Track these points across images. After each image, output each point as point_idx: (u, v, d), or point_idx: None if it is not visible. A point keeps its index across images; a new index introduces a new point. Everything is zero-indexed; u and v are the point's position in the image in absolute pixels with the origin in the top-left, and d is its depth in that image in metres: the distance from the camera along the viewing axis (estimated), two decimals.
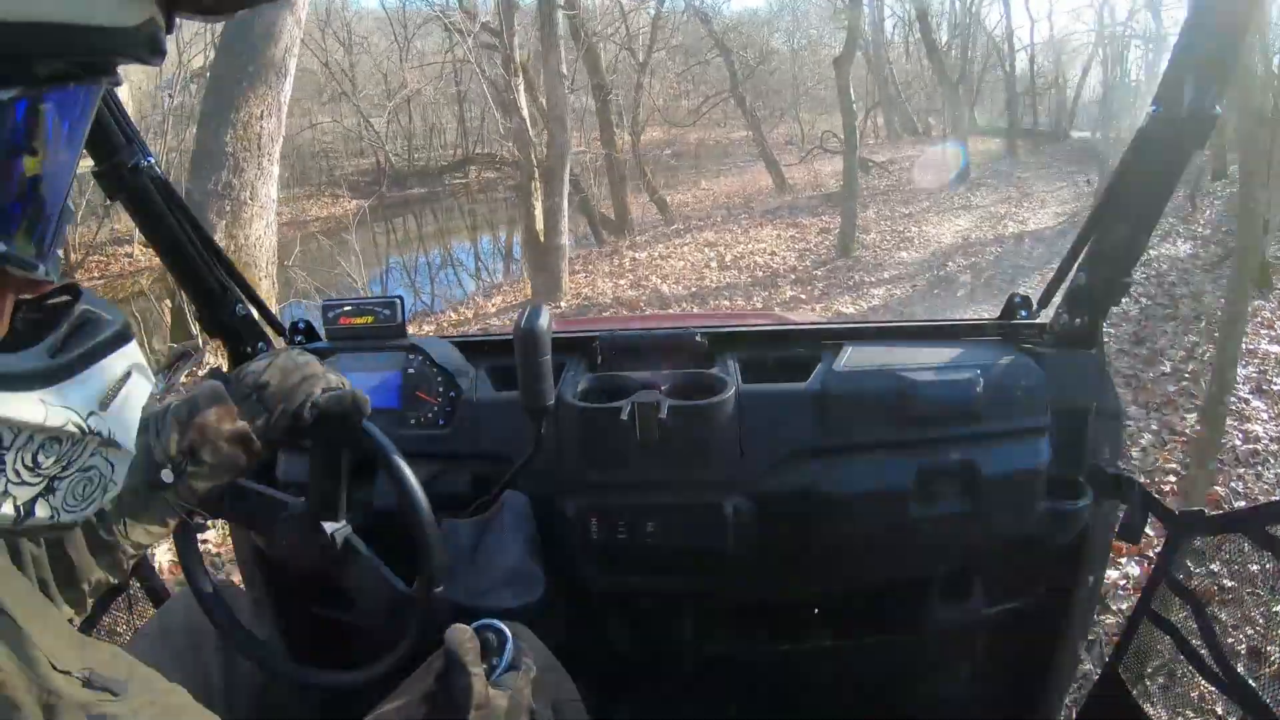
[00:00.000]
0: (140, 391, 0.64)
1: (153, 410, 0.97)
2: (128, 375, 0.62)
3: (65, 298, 0.57)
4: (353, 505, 1.16)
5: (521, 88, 10.69)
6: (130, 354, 0.62)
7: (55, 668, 0.63)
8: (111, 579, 0.98)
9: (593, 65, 14.06)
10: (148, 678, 0.76)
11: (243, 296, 1.56)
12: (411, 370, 1.52)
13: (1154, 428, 4.18)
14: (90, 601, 1.00)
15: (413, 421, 1.50)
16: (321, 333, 1.63)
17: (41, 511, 0.56)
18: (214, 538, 3.27)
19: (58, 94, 0.49)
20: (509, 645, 0.97)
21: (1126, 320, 6.07)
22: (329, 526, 1.10)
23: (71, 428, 0.55)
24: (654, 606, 1.58)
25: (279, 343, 1.67)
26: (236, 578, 1.95)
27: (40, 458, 0.55)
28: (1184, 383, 4.77)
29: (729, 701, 1.68)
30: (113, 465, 0.62)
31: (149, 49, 0.51)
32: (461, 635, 0.94)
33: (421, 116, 21.51)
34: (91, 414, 0.57)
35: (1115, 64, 22.98)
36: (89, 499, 0.61)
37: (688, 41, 20.19)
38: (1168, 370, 5.02)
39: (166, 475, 0.93)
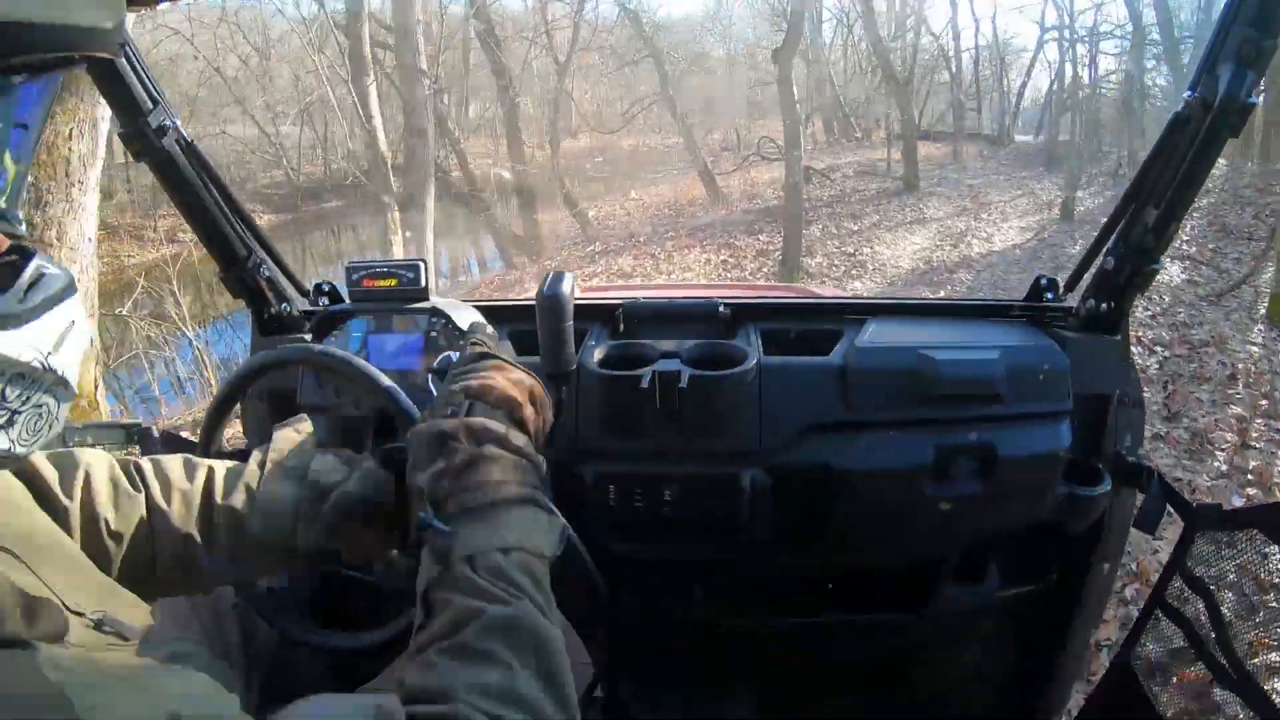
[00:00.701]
0: (80, 337, 0.68)
1: (307, 461, 1.02)
2: (72, 323, 0.66)
3: (14, 257, 0.62)
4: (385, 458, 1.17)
5: (373, 90, 8.52)
6: (75, 304, 0.67)
7: (68, 608, 0.66)
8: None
9: (498, 66, 13.11)
10: (161, 627, 0.79)
11: (267, 258, 1.58)
12: (433, 333, 1.52)
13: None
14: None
15: (433, 384, 1.51)
16: (345, 295, 1.64)
17: (2, 443, 0.61)
18: None
19: (40, 81, 0.57)
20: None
21: (1150, 383, 4.74)
22: None
23: (36, 364, 0.61)
24: (667, 576, 1.58)
25: (301, 303, 1.68)
26: None
27: (7, 391, 0.60)
28: (1250, 489, 3.54)
29: (738, 672, 1.69)
30: (59, 404, 0.66)
31: (117, 44, 0.59)
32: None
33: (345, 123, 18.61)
34: (49, 354, 0.62)
35: (1060, 66, 21.99)
36: (38, 433, 0.65)
37: (619, 43, 18.95)
38: (1222, 464, 3.76)
39: (299, 558, 1.00)
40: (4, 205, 0.57)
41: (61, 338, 0.65)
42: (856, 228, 12.46)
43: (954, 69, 22.14)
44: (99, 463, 0.91)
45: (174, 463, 0.97)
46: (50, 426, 0.66)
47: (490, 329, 0.98)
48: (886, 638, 1.65)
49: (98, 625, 0.69)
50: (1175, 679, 1.53)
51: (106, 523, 0.88)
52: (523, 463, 0.82)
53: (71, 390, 0.67)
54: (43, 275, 0.63)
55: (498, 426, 0.82)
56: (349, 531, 0.98)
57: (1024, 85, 23.73)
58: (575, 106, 21.12)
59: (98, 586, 0.76)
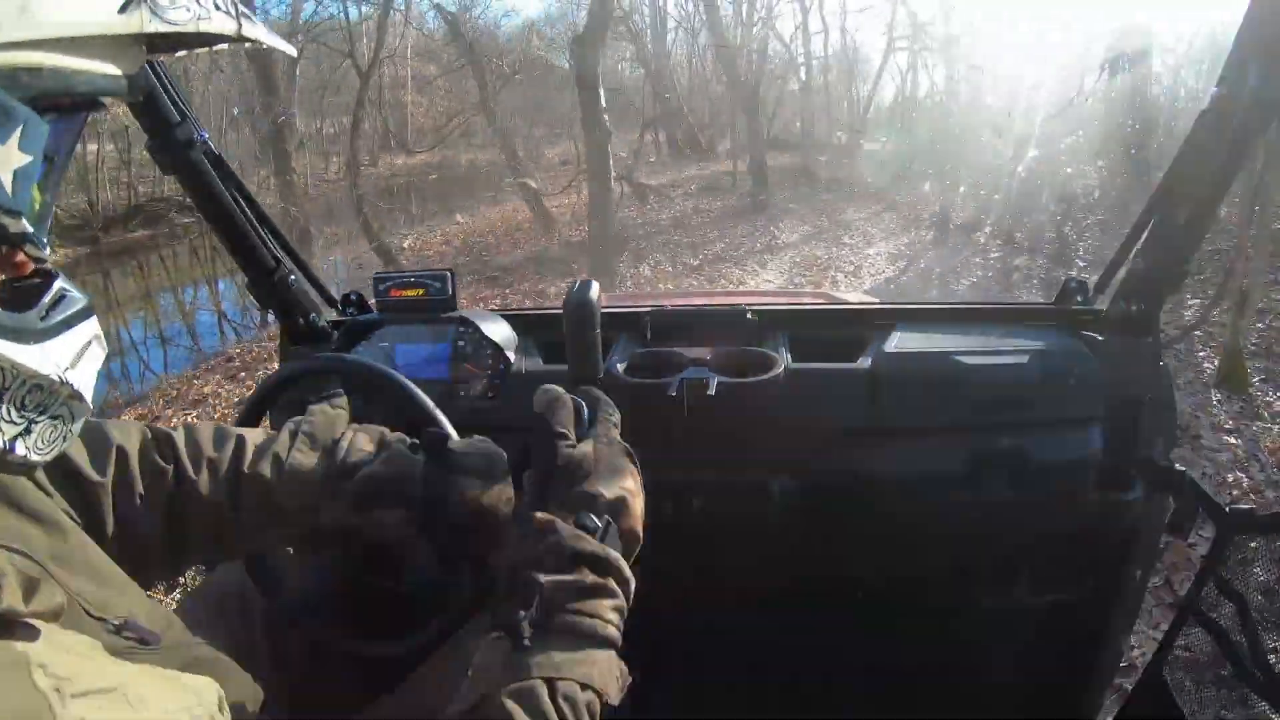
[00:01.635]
0: (97, 358, 0.71)
1: (340, 443, 1.04)
2: (90, 343, 0.69)
3: (38, 279, 0.65)
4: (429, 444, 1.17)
5: None
6: (93, 325, 0.70)
7: (88, 613, 0.68)
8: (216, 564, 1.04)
9: (263, 79, 11.41)
10: (184, 633, 0.82)
11: (295, 269, 1.59)
12: (461, 343, 1.53)
13: None
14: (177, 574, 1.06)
15: (461, 394, 1.51)
16: (372, 304, 1.66)
17: (20, 450, 0.63)
18: None
19: (69, 118, 0.63)
20: (584, 411, 0.94)
21: None
22: None
23: (55, 378, 0.63)
24: (697, 583, 1.58)
25: (330, 313, 1.70)
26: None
27: (26, 401, 0.63)
28: None
29: (769, 680, 1.68)
30: (74, 418, 0.69)
31: (134, 90, 0.66)
32: (549, 397, 0.92)
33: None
34: (67, 370, 0.65)
35: (909, 73, 21.75)
36: (53, 444, 0.67)
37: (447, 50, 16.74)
38: None
39: (319, 532, 1.03)
40: (32, 231, 0.60)
41: (79, 356, 0.67)
42: (697, 261, 10.56)
43: (803, 76, 21.30)
44: (131, 437, 0.94)
45: (205, 431, 1.00)
46: (64, 438, 0.68)
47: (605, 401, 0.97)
48: (916, 644, 1.63)
49: (119, 630, 0.71)
50: (1208, 687, 1.51)
51: (140, 496, 0.92)
52: (624, 605, 0.81)
53: (87, 405, 0.69)
54: (64, 297, 0.66)
55: (625, 566, 0.82)
56: (371, 511, 1.01)
57: (871, 93, 22.70)
58: (410, 120, 19.91)
59: (122, 592, 0.77)
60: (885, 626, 1.62)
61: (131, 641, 0.72)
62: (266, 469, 0.99)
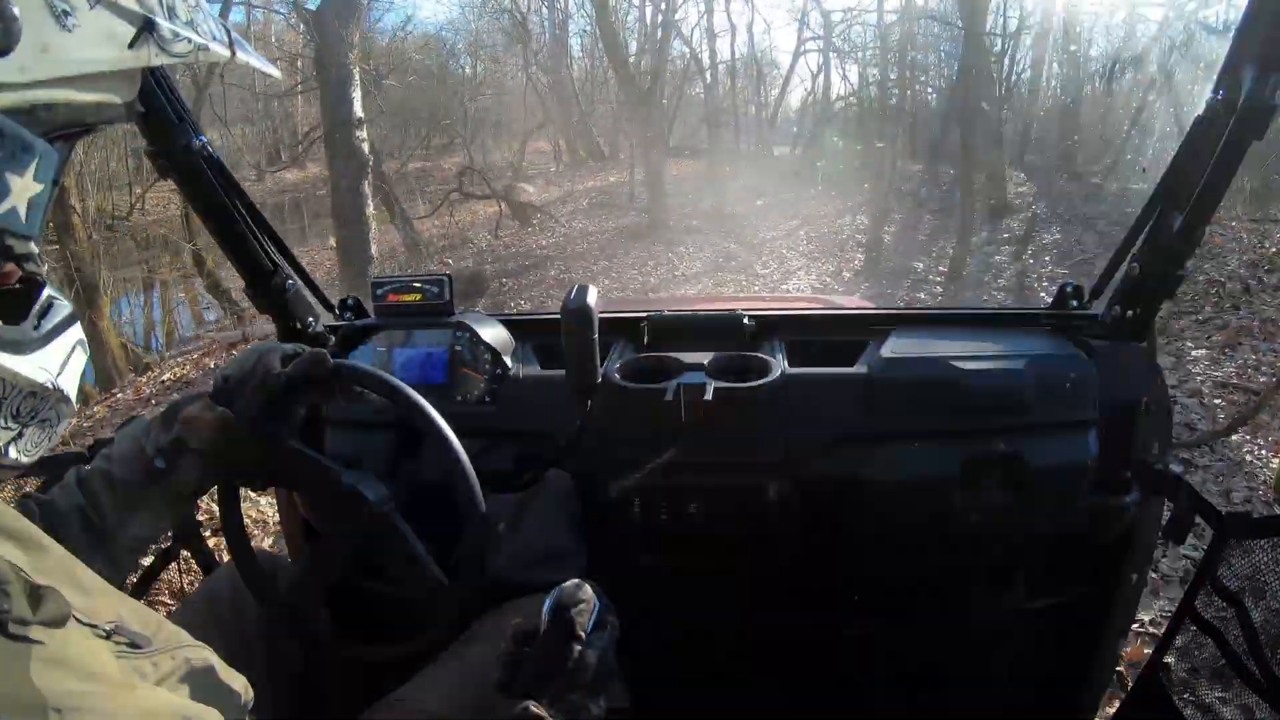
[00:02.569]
0: (80, 361, 0.74)
1: (145, 420, 1.09)
2: (74, 348, 0.73)
3: (24, 287, 0.67)
4: (399, 476, 1.19)
5: None
6: (78, 331, 0.74)
7: (79, 620, 0.69)
8: (113, 577, 1.04)
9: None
10: (174, 635, 0.83)
11: (293, 273, 1.59)
12: (459, 347, 1.53)
13: None
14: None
15: (459, 398, 1.52)
16: (370, 310, 1.66)
17: (11, 454, 0.67)
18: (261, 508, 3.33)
19: (70, 144, 0.66)
20: (596, 606, 0.97)
21: None
22: (372, 498, 1.11)
23: (47, 385, 0.67)
24: (695, 588, 1.58)
25: (327, 318, 1.70)
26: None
27: (21, 408, 0.66)
28: None
29: (767, 684, 1.68)
30: (60, 419, 0.72)
31: (133, 113, 0.71)
32: (575, 591, 0.96)
33: None
34: (57, 375, 0.69)
35: (819, 74, 20.47)
36: (39, 445, 0.70)
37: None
38: None
39: (159, 463, 1.03)
40: (36, 252, 0.63)
41: (66, 360, 0.71)
42: None
43: (708, 79, 20.08)
44: None
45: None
46: (50, 439, 0.71)
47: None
48: (914, 648, 1.64)
49: (109, 635, 0.72)
50: (1205, 689, 1.51)
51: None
52: None
53: (72, 407, 0.73)
54: (52, 304, 0.70)
55: None
56: (180, 416, 1.05)
57: (780, 97, 21.82)
58: (297, 132, 19.00)
59: (107, 598, 0.78)
60: (883, 630, 1.62)
61: (122, 645, 0.73)
62: (100, 462, 1.04)
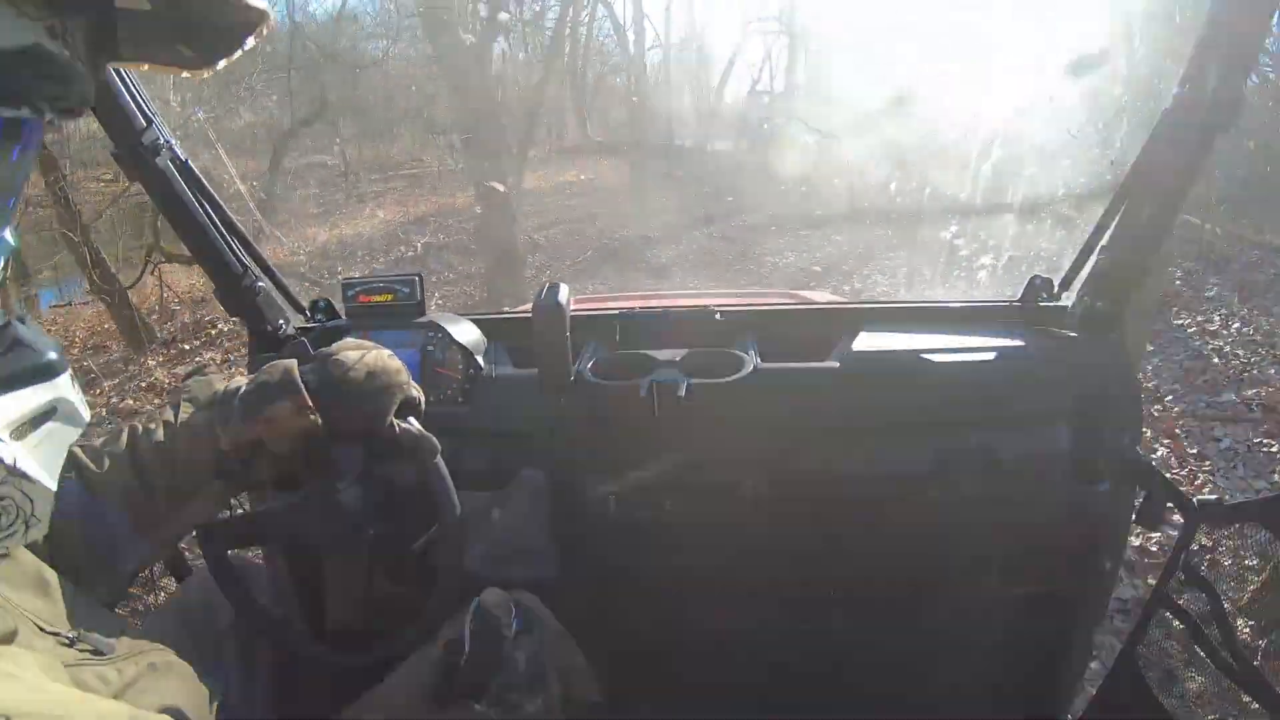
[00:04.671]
0: (64, 433, 0.65)
1: (216, 388, 1.01)
2: (51, 410, 0.63)
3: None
4: (375, 480, 1.17)
5: None
6: (57, 388, 0.63)
7: (41, 629, 0.69)
8: (155, 558, 1.01)
9: None
10: (137, 642, 0.83)
11: (263, 275, 1.57)
12: (431, 347, 1.52)
13: None
14: (126, 585, 1.03)
15: (432, 399, 1.50)
16: (341, 310, 1.64)
17: None
18: None
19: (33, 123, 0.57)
20: (515, 611, 1.03)
21: None
22: (351, 510, 1.09)
23: None
24: (670, 584, 1.59)
25: (298, 320, 1.68)
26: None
27: None
28: None
29: (741, 680, 1.68)
30: (31, 500, 0.62)
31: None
32: (497, 599, 1.01)
33: None
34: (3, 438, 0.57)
35: (765, 63, 17.84)
36: (7, 530, 0.61)
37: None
38: None
39: (233, 464, 0.96)
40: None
41: (25, 424, 0.61)
42: None
43: (639, 65, 16.77)
44: None
45: (99, 433, 0.99)
46: (26, 525, 0.63)
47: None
48: (891, 640, 1.65)
49: (72, 643, 0.72)
50: (1180, 673, 1.53)
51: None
52: None
53: (46, 487, 0.64)
54: (11, 348, 0.60)
55: None
56: (262, 411, 0.97)
57: (720, 86, 18.14)
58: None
59: (72, 606, 0.77)
60: (858, 622, 1.63)
61: (85, 654, 0.73)
62: (160, 434, 0.97)
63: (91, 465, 0.93)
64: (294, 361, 1.03)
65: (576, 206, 12.24)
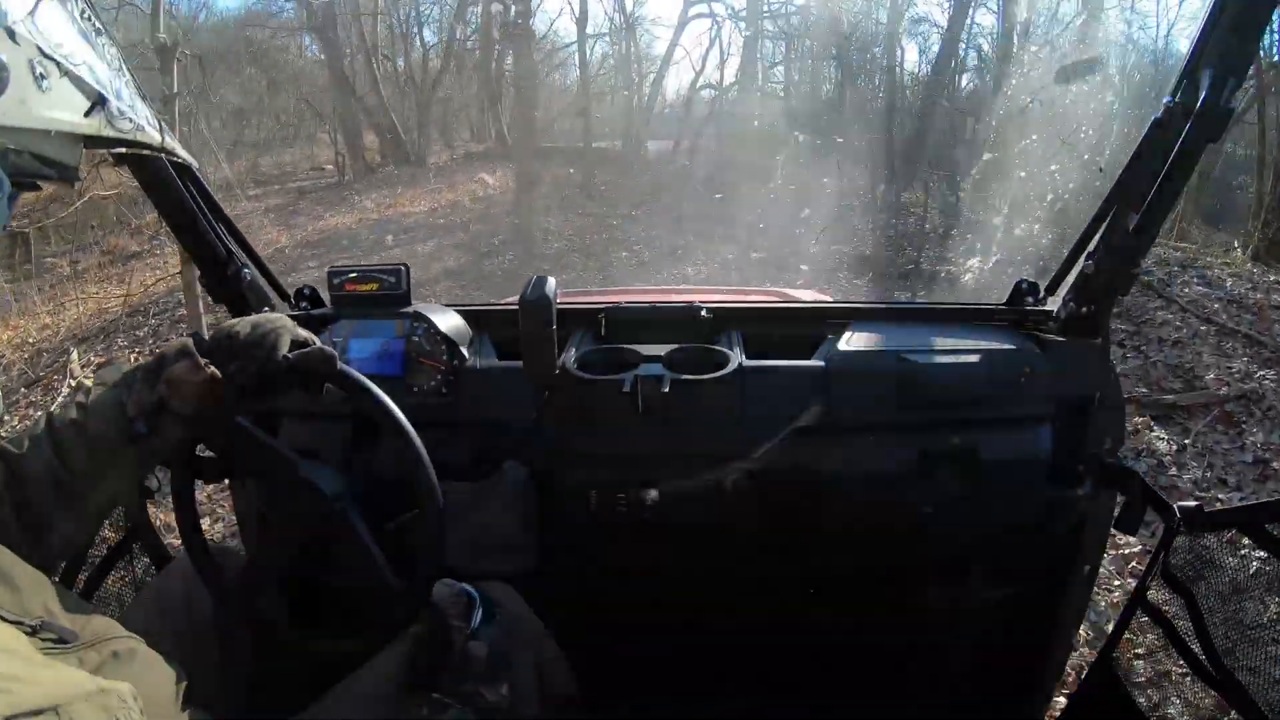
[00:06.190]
0: None
1: (124, 370, 1.05)
2: None
3: None
4: (354, 468, 1.17)
5: None
6: None
7: (4, 618, 0.70)
8: (81, 533, 1.03)
9: None
10: (104, 628, 0.85)
11: (249, 262, 1.56)
12: (415, 337, 1.52)
13: None
14: (66, 556, 1.07)
15: (415, 389, 1.50)
16: (326, 299, 1.63)
17: None
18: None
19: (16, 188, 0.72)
20: (478, 603, 1.07)
21: None
22: (327, 491, 1.11)
23: None
24: (651, 580, 1.59)
25: (283, 308, 1.67)
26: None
27: None
28: None
29: (722, 677, 1.69)
30: None
31: (72, 179, 0.79)
32: (447, 592, 1.05)
33: None
34: None
35: (710, 49, 16.55)
36: None
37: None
38: None
39: (141, 426, 1.00)
40: None
41: None
42: None
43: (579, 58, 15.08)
44: None
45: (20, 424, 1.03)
46: None
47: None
48: (870, 639, 1.66)
49: (35, 631, 0.74)
50: (1156, 677, 1.54)
51: None
52: None
53: None
54: None
55: None
56: (165, 376, 1.01)
57: (655, 85, 16.67)
58: None
59: (36, 593, 0.79)
60: (838, 621, 1.63)
61: (49, 641, 0.75)
62: (74, 413, 1.01)
63: (12, 448, 0.98)
64: (189, 339, 1.08)
65: (397, 250, 9.78)
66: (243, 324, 1.09)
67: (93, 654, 0.80)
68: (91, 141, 0.80)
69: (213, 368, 1.02)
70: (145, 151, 0.91)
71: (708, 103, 15.34)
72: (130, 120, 0.83)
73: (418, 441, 1.10)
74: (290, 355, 1.08)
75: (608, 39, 16.54)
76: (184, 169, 1.40)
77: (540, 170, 11.72)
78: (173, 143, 0.92)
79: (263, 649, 1.25)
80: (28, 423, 1.05)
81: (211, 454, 1.30)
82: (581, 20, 14.41)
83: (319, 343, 1.11)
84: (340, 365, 1.10)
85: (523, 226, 10.01)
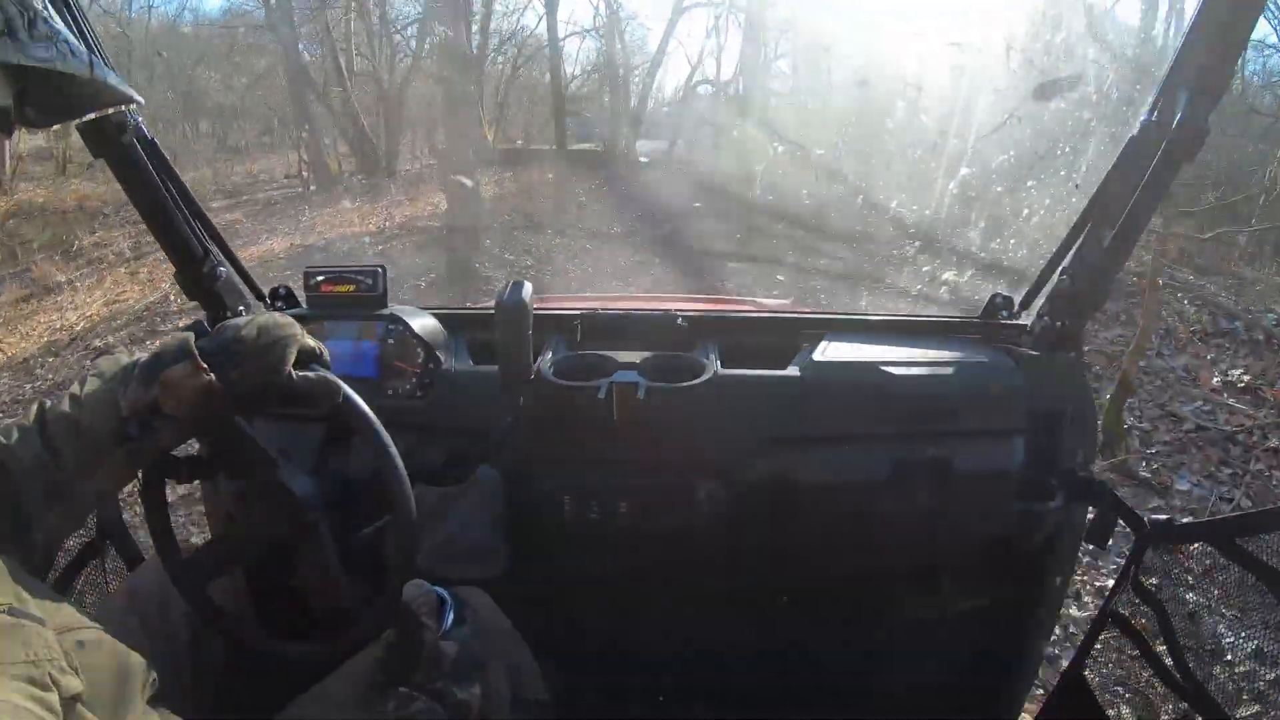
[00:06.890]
0: None
1: (122, 363, 1.01)
2: None
3: None
4: (327, 473, 1.16)
5: None
6: None
7: None
8: (66, 530, 1.00)
9: None
10: (71, 618, 0.84)
11: (224, 260, 1.55)
12: (391, 340, 1.51)
13: None
14: (48, 554, 1.05)
15: (390, 392, 1.49)
16: (302, 300, 1.62)
17: None
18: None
19: None
20: (449, 605, 1.08)
21: None
22: (298, 492, 1.08)
23: None
24: (623, 587, 1.58)
25: (259, 307, 1.66)
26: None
27: None
28: None
29: (694, 686, 1.69)
30: None
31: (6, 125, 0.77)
32: (417, 592, 1.06)
33: None
34: None
35: (707, 39, 16.79)
36: None
37: None
38: None
39: (133, 429, 0.96)
40: None
41: None
42: None
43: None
44: None
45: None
46: None
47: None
48: (841, 649, 1.66)
49: (9, 611, 0.73)
50: (1126, 689, 1.55)
51: None
52: None
53: None
54: None
55: None
56: (162, 377, 0.98)
57: (647, 84, 16.08)
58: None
59: (12, 584, 0.78)
60: (809, 629, 1.64)
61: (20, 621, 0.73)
62: (66, 406, 0.98)
63: (0, 439, 0.96)
64: (191, 333, 1.04)
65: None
66: (249, 328, 1.04)
67: (62, 639, 0.78)
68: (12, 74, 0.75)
69: (212, 374, 0.98)
70: (76, 86, 0.81)
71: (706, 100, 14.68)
72: (47, 47, 0.73)
73: (408, 486, 1.06)
74: (295, 376, 1.03)
75: (595, 34, 15.85)
76: (164, 165, 1.39)
77: (517, 176, 11.18)
78: (106, 74, 0.81)
79: (234, 650, 1.23)
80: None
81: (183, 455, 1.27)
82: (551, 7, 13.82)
83: (326, 353, 1.09)
84: (345, 394, 1.06)
85: (459, 260, 8.58)
